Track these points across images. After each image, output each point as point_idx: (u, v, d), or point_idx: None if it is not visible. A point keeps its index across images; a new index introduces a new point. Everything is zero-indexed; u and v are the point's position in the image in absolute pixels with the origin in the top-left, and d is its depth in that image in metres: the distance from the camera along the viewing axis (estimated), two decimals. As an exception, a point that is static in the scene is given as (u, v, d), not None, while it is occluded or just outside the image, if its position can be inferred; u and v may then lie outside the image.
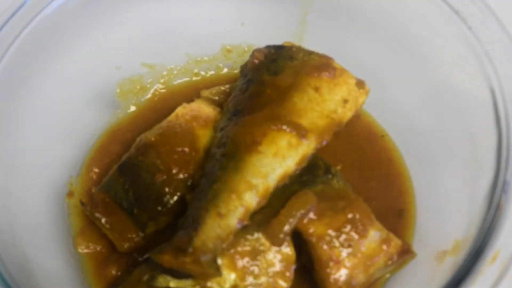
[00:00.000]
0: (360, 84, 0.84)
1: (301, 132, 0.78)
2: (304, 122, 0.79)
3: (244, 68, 0.88)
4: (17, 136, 0.84)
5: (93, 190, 0.84)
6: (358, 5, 0.94)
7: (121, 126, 0.96)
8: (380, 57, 0.94)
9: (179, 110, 0.86)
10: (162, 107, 0.95)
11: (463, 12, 0.83)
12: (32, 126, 0.87)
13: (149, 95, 0.99)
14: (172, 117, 0.86)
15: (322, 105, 0.81)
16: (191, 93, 0.96)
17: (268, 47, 0.88)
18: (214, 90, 0.92)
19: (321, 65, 0.83)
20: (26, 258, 0.76)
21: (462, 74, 0.86)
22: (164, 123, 0.86)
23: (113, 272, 0.82)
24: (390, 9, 0.91)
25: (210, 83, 0.97)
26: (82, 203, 0.84)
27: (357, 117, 0.87)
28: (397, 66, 0.94)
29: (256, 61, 0.86)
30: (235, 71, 1.01)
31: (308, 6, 0.97)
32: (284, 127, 0.77)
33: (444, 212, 0.83)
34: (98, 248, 0.84)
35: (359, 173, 0.90)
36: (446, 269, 0.72)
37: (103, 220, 0.81)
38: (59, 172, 0.90)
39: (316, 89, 0.81)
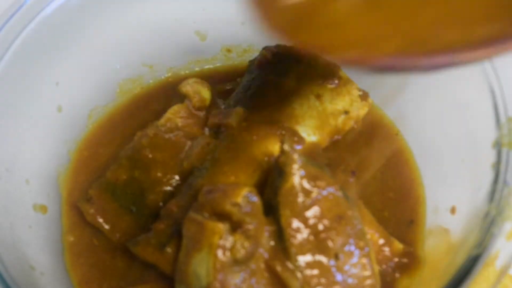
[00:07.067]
0: (363, 96, 0.84)
1: (295, 139, 0.78)
2: (301, 129, 0.79)
3: (251, 65, 0.88)
4: (17, 136, 0.84)
5: (90, 192, 0.83)
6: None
7: (119, 126, 0.96)
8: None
9: (173, 109, 0.87)
10: (161, 107, 0.95)
11: (463, 12, 0.83)
12: (32, 126, 0.86)
13: (149, 95, 0.99)
14: (167, 115, 0.86)
15: (321, 114, 0.81)
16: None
17: (278, 46, 0.87)
18: (219, 87, 0.93)
19: (326, 72, 0.83)
20: (26, 258, 0.76)
21: (462, 74, 0.85)
22: (160, 122, 0.86)
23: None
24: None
25: (210, 83, 0.97)
26: (81, 205, 0.84)
27: (355, 128, 0.86)
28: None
29: (263, 59, 0.86)
30: (235, 70, 1.01)
31: (308, 6, 0.97)
32: (279, 133, 0.77)
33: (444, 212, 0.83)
34: (95, 248, 0.84)
35: (379, 182, 0.88)
36: (446, 269, 0.72)
37: (103, 221, 0.81)
38: (59, 172, 0.90)
39: (318, 97, 0.81)
